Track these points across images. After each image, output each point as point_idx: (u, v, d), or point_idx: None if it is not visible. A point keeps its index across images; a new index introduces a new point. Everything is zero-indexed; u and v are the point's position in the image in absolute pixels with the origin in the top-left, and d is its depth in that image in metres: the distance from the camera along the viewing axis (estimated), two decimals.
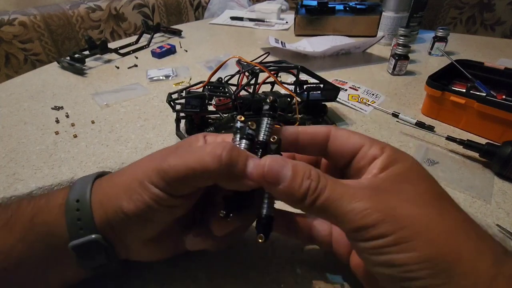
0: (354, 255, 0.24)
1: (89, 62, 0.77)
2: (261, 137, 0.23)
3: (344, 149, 0.22)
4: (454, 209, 0.19)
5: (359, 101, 0.58)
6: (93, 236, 0.21)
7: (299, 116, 0.42)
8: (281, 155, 0.22)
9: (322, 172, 0.20)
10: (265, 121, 0.23)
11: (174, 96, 0.45)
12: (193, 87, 0.45)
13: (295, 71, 0.45)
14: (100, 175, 0.25)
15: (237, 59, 0.46)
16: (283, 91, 0.45)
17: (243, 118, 0.23)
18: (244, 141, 0.23)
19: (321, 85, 0.48)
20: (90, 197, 0.22)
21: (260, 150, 0.22)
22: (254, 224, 0.23)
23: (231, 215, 0.22)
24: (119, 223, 0.21)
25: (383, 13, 0.85)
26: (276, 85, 0.47)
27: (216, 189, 0.22)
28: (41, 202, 0.23)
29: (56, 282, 0.23)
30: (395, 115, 0.52)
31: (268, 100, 0.23)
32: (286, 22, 1.11)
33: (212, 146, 0.20)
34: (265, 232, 0.21)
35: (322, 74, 0.49)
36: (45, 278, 0.22)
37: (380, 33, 0.88)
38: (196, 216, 0.27)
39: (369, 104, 0.57)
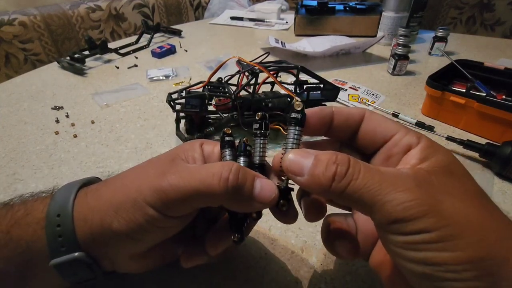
0: (376, 252, 0.22)
1: (89, 62, 0.77)
2: (257, 159, 0.22)
3: (377, 133, 0.21)
4: (499, 211, 0.17)
5: (359, 101, 0.58)
6: (76, 254, 0.20)
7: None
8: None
9: (353, 158, 0.18)
10: (258, 141, 0.22)
11: (174, 96, 0.45)
12: (193, 87, 0.45)
13: (295, 71, 0.45)
14: (85, 183, 0.23)
15: (237, 59, 0.46)
16: (283, 91, 0.45)
17: (230, 131, 0.23)
18: (242, 158, 0.22)
19: (321, 85, 0.48)
20: (73, 211, 0.20)
21: (258, 171, 0.22)
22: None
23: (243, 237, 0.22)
24: (106, 240, 0.20)
25: (383, 13, 0.85)
26: (276, 85, 0.47)
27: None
28: (19, 213, 0.21)
29: None
30: (395, 115, 0.52)
31: (256, 117, 0.22)
32: (286, 22, 1.11)
33: (217, 167, 0.19)
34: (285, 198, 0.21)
35: (322, 74, 0.49)
36: None
37: (380, 33, 0.88)
38: (186, 231, 0.25)
39: (369, 104, 0.57)
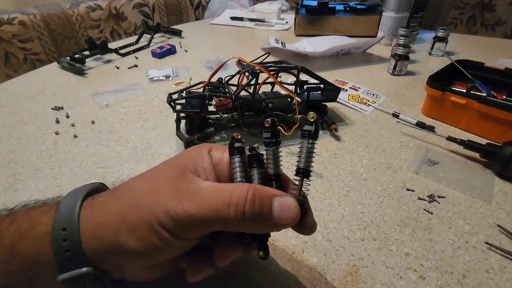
0: None
1: (89, 62, 0.77)
2: (272, 170, 0.21)
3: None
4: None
5: (359, 101, 0.58)
6: (84, 269, 0.20)
7: (299, 116, 0.42)
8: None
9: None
10: (272, 151, 0.21)
11: (174, 96, 0.45)
12: (194, 88, 0.45)
13: (295, 71, 0.45)
14: (90, 191, 0.23)
15: (237, 59, 0.45)
16: (283, 92, 0.45)
17: (239, 136, 0.22)
18: (256, 170, 0.21)
19: (322, 86, 0.48)
20: (79, 225, 0.20)
21: (274, 183, 0.21)
22: None
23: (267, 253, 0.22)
24: (118, 256, 0.20)
25: (383, 13, 0.85)
26: (276, 86, 0.47)
27: None
28: (23, 226, 0.21)
29: None
30: (396, 115, 0.52)
31: (266, 124, 0.21)
32: (286, 22, 1.11)
33: (233, 196, 0.19)
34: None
35: (323, 74, 0.49)
36: None
37: (380, 33, 0.88)
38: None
39: (369, 105, 0.57)
